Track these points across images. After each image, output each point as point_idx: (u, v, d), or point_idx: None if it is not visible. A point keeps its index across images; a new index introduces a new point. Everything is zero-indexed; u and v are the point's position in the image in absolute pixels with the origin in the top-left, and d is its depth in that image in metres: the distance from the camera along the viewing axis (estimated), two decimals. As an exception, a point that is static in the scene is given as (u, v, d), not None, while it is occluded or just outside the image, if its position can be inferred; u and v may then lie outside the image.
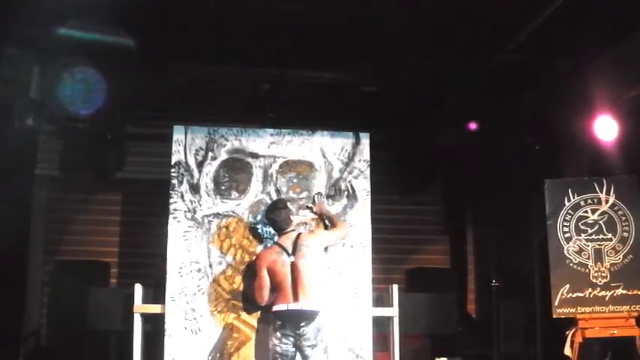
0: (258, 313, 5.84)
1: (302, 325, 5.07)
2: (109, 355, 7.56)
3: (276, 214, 5.42)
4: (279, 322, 5.10)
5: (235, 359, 6.00)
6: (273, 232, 5.89)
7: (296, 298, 5.11)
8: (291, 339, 5.07)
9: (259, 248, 6.06)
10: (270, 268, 5.21)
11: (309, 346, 5.07)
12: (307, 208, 5.86)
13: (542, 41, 6.48)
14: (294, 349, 5.10)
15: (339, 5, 6.29)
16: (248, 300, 5.78)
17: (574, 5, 5.65)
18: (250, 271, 5.84)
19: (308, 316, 5.09)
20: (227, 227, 6.21)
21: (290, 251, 5.22)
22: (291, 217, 5.47)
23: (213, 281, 6.08)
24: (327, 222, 6.00)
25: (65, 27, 6.32)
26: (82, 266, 8.56)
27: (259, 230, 6.08)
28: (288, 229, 5.38)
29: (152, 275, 7.65)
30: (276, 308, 5.14)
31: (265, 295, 5.23)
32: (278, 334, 5.08)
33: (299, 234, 5.37)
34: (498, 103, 7.79)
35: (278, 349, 5.06)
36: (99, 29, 6.38)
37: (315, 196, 6.19)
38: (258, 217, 6.13)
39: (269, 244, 5.89)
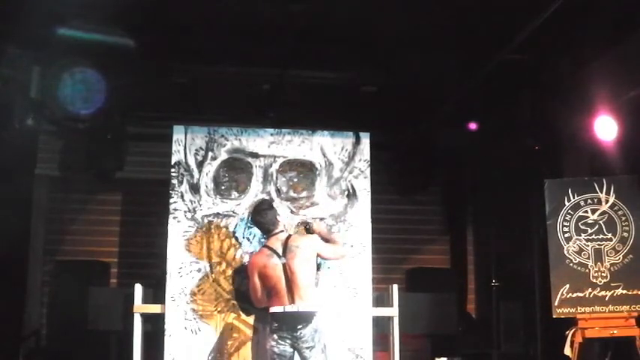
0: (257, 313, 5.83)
1: (299, 327, 5.01)
2: (109, 355, 7.55)
3: (262, 216, 5.22)
4: (276, 324, 5.04)
5: (235, 359, 6.01)
6: (251, 236, 5.86)
7: (292, 300, 5.04)
8: (289, 340, 5.03)
9: (245, 249, 6.06)
10: (261, 273, 5.11)
11: (307, 348, 5.02)
12: (303, 226, 5.57)
13: (542, 41, 6.47)
14: (292, 350, 5.06)
15: (339, 5, 6.29)
16: (246, 301, 5.76)
17: (574, 5, 5.65)
18: (247, 273, 5.81)
19: (305, 318, 5.04)
20: (227, 227, 6.22)
21: (280, 253, 5.12)
22: (278, 217, 5.32)
23: (213, 281, 6.09)
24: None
25: (65, 27, 6.32)
26: (82, 266, 8.55)
27: (237, 236, 6.08)
28: (276, 230, 5.25)
29: (152, 275, 7.66)
30: (272, 310, 5.09)
31: (260, 298, 5.18)
32: (275, 335, 5.04)
33: (289, 235, 5.28)
34: (498, 103, 7.79)
35: (276, 349, 5.03)
36: (99, 29, 6.37)
37: (311, 219, 6.09)
38: (240, 224, 6.13)
39: (253, 249, 5.85)
